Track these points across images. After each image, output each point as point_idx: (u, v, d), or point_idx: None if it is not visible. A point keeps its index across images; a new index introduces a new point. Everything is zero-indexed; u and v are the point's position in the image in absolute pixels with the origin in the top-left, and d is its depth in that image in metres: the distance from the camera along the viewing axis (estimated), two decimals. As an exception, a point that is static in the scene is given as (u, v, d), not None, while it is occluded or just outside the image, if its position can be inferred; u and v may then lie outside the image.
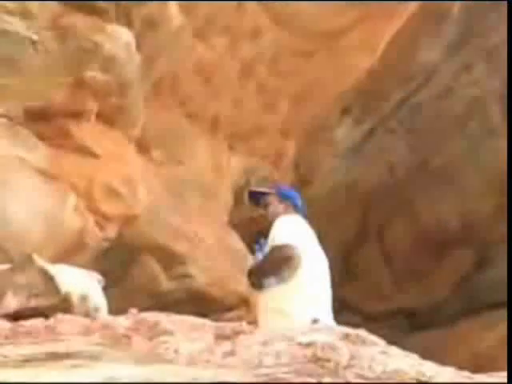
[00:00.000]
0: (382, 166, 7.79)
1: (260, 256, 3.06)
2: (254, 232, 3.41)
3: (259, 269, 3.06)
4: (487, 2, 7.05)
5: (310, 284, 3.07)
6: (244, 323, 2.09)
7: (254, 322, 2.73)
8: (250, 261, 3.19)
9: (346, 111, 7.28)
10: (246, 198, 3.45)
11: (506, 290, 6.93)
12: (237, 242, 6.49)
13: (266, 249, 3.10)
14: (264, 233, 3.18)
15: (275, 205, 3.22)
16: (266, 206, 3.24)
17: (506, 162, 6.29)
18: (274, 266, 3.03)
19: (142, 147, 6.02)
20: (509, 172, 6.05)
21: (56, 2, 4.56)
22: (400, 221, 7.92)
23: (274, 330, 1.84)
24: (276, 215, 3.15)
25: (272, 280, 2.98)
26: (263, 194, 3.30)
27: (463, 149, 7.36)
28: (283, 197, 3.27)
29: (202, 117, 6.69)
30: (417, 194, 7.70)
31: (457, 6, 6.92)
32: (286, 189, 3.65)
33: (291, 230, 3.15)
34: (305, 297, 3.05)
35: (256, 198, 3.33)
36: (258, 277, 3.02)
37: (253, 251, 3.22)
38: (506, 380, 1.62)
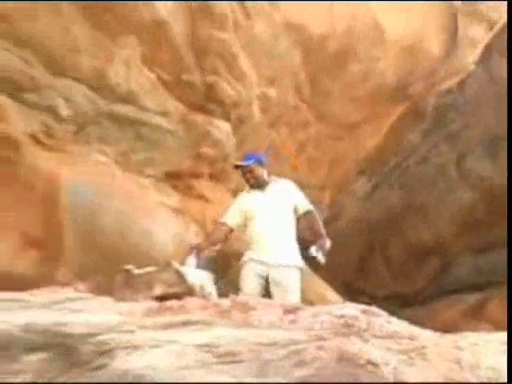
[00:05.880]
0: (383, 207, 9.09)
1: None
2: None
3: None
4: (452, 104, 8.69)
5: None
6: (300, 302, 2.28)
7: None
8: None
9: (361, 173, 8.72)
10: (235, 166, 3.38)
11: (464, 283, 8.27)
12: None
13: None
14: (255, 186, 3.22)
15: (259, 169, 3.28)
16: (250, 171, 3.36)
17: (507, 171, 6.30)
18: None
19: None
20: (509, 181, 5.86)
21: (183, 107, 5.03)
22: (395, 240, 9.18)
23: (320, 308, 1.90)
24: (266, 177, 3.22)
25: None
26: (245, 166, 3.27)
27: (434, 196, 8.67)
28: (261, 163, 3.31)
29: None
30: (405, 223, 9.01)
31: (430, 106, 8.87)
32: (259, 156, 3.38)
33: None
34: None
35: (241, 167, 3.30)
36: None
37: None
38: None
